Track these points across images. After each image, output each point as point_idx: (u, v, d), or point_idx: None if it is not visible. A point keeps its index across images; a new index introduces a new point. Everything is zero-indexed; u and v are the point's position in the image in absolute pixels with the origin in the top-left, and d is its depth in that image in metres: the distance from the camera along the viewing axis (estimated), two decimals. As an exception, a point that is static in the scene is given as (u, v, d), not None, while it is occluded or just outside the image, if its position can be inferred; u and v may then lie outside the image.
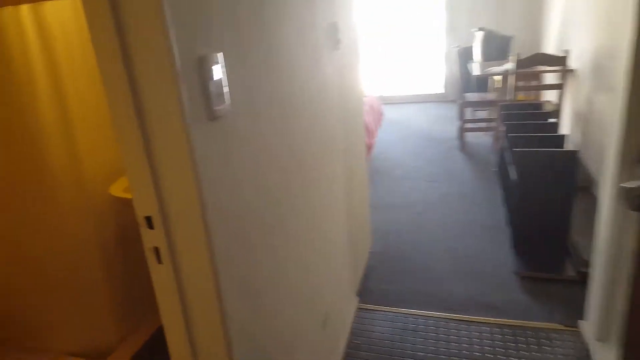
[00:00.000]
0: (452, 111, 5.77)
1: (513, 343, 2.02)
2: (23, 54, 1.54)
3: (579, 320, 2.09)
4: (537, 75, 4.25)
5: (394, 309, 2.33)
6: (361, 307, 2.37)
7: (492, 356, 1.96)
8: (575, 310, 2.16)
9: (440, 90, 6.58)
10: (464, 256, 2.76)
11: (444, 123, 5.50)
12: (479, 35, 4.99)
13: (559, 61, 3.83)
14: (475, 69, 4.48)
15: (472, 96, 4.70)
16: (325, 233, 1.84)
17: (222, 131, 1.04)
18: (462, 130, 4.66)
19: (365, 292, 2.48)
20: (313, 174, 1.66)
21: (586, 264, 2.21)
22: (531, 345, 1.99)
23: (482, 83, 4.84)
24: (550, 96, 4.40)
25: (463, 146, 4.65)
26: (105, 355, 1.94)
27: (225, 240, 1.06)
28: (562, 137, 2.79)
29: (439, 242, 2.93)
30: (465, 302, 2.35)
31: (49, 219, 1.72)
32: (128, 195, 1.69)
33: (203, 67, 0.95)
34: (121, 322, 2.00)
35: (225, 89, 1.03)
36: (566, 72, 3.86)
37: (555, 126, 3.03)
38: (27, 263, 1.80)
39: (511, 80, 3.95)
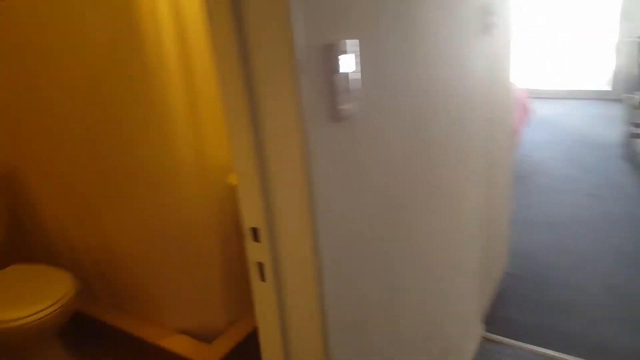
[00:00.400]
0: (617, 112, 4.88)
1: None
2: (157, 45, 1.52)
3: None
4: None
5: (528, 346, 1.97)
6: (487, 337, 2.05)
7: None
8: None
9: (605, 87, 5.61)
10: (628, 297, 2.24)
11: (606, 125, 4.67)
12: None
13: None
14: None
15: (649, 96, 3.88)
16: (453, 253, 1.58)
17: (346, 135, 0.86)
18: (631, 136, 3.88)
19: (493, 320, 2.15)
20: (446, 186, 1.41)
21: None
22: None
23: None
24: None
25: (631, 155, 3.87)
26: (211, 338, 1.95)
27: (335, 264, 0.88)
28: None
29: (594, 274, 2.43)
30: (628, 356, 1.89)
31: (176, 205, 1.74)
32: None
33: (329, 57, 0.78)
34: (230, 308, 1.99)
35: (355, 84, 0.85)
36: None
37: None
38: (154, 243, 1.86)
39: None
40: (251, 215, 0.86)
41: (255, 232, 0.87)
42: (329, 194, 0.83)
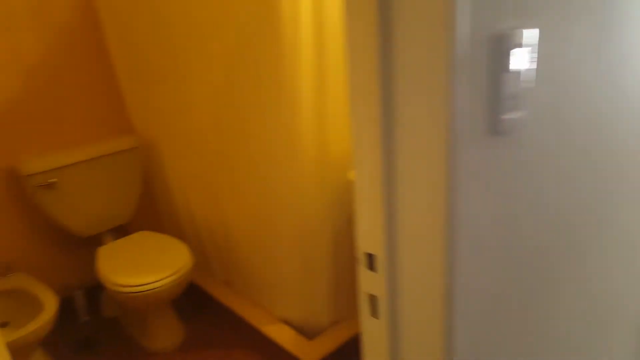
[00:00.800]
0: None
1: None
2: (294, 33, 1.42)
3: None
4: None
5: None
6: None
7: None
8: None
9: None
10: None
11: None
12: None
13: None
14: None
15: None
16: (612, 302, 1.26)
17: (507, 151, 0.66)
18: None
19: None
20: (625, 227, 1.10)
21: None
22: None
23: None
24: None
25: None
26: (312, 334, 1.88)
27: (473, 310, 0.70)
28: None
29: None
30: None
31: (293, 196, 1.67)
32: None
33: (497, 52, 0.58)
34: (336, 307, 1.90)
35: (526, 87, 0.64)
36: None
37: None
38: (268, 230, 1.83)
39: None
40: (369, 239, 0.71)
41: (371, 258, 0.72)
42: (475, 224, 0.65)
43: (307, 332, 1.89)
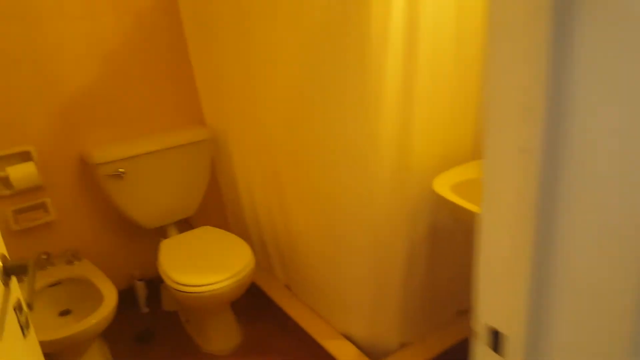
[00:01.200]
0: None
1: None
2: (383, 28, 1.25)
3: None
4: None
5: None
6: None
7: None
8: None
9: None
10: None
11: None
12: None
13: None
14: None
15: None
16: None
17: None
18: None
19: None
20: None
21: None
22: None
23: None
24: None
25: None
26: (377, 355, 1.70)
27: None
28: None
29: None
30: None
31: (366, 201, 1.50)
32: (453, 198, 1.27)
33: None
34: (405, 327, 1.71)
35: None
36: None
37: None
38: (335, 237, 1.68)
39: None
40: (497, 310, 0.51)
41: (496, 337, 0.52)
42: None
43: (371, 352, 1.72)
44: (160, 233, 2.14)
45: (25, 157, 1.85)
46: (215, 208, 2.39)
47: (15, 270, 0.68)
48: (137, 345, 2.01)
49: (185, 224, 2.23)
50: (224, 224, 2.35)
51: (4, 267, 0.68)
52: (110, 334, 1.92)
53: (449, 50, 1.37)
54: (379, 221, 1.50)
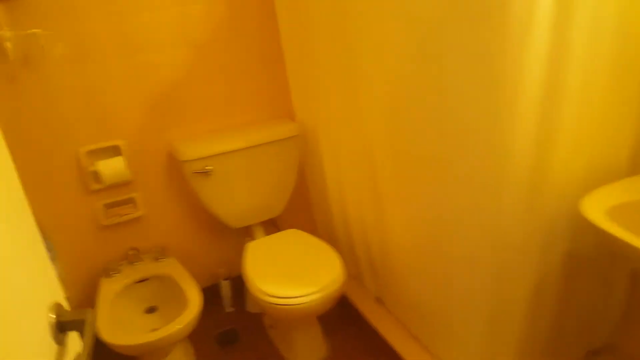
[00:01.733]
0: None
1: None
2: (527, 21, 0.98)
3: None
4: None
5: None
6: None
7: None
8: None
9: None
10: None
11: None
12: None
13: None
14: None
15: None
16: None
17: None
18: None
19: None
20: None
21: None
22: None
23: None
24: None
25: None
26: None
27: None
28: None
29: None
30: None
31: (483, 218, 1.23)
32: (615, 230, 0.96)
33: None
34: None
35: None
36: None
37: None
38: (433, 254, 1.44)
39: None
40: None
41: None
42: None
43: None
44: (246, 233, 2.04)
45: (115, 151, 1.81)
46: (302, 209, 2.24)
47: (72, 325, 0.55)
48: (220, 348, 1.93)
49: (271, 225, 2.11)
50: (310, 226, 2.19)
51: (59, 322, 0.54)
52: (194, 333, 1.86)
53: (609, 43, 1.05)
54: (501, 242, 1.23)
